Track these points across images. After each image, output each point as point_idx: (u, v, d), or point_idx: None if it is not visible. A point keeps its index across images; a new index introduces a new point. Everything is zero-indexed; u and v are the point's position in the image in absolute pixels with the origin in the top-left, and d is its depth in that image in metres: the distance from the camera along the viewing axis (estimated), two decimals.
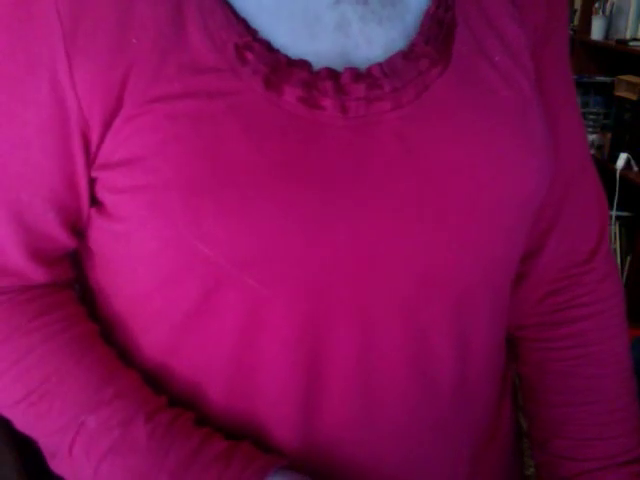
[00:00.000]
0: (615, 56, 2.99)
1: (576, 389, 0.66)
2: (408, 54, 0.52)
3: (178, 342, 0.54)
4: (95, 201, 0.53)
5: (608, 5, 2.97)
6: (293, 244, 0.48)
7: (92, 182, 0.52)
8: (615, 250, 2.80)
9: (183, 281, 0.51)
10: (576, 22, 3.14)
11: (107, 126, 0.49)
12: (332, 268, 0.50)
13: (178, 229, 0.48)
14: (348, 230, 0.49)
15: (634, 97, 2.65)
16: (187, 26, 0.49)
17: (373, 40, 0.52)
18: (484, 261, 0.55)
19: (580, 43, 3.05)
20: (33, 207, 0.52)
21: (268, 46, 0.50)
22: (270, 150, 0.48)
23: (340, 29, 0.52)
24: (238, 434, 0.54)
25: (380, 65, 0.51)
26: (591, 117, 2.92)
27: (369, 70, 0.51)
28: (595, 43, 2.99)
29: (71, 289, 0.60)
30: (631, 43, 2.72)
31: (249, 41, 0.49)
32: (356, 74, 0.50)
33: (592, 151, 2.80)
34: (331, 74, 0.50)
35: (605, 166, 2.69)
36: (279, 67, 0.49)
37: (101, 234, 0.54)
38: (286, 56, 0.50)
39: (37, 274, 0.55)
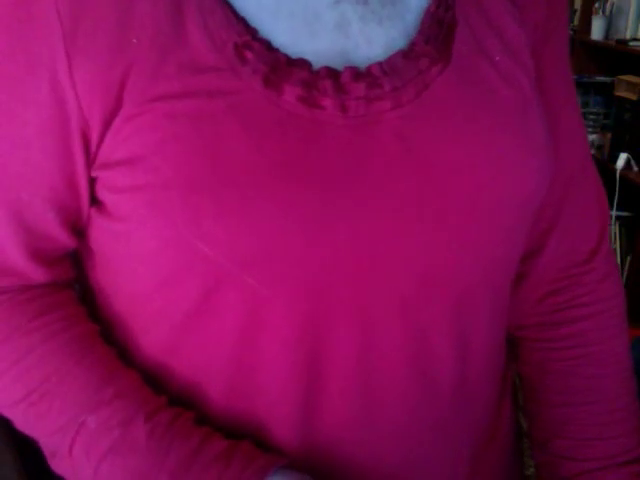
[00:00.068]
0: (615, 56, 2.99)
1: (576, 389, 0.66)
2: (408, 53, 0.52)
3: (178, 342, 0.54)
4: (95, 201, 0.53)
5: (608, 5, 2.97)
6: (293, 244, 0.48)
7: (92, 182, 0.52)
8: (615, 250, 2.80)
9: (183, 281, 0.51)
10: (576, 22, 3.14)
11: (107, 126, 0.49)
12: (332, 268, 0.50)
13: (178, 228, 0.48)
14: (348, 230, 0.49)
15: (634, 97, 2.65)
16: (187, 25, 0.49)
17: (373, 40, 0.52)
18: (484, 261, 0.55)
19: (580, 43, 3.05)
20: (33, 207, 0.52)
21: (268, 45, 0.50)
22: (270, 150, 0.48)
23: (340, 29, 0.52)
24: (238, 434, 0.54)
25: (380, 64, 0.51)
26: (591, 117, 2.92)
27: (369, 69, 0.51)
28: (595, 43, 2.99)
29: (71, 289, 0.60)
30: (631, 43, 2.72)
31: (249, 40, 0.49)
32: (356, 73, 0.50)
33: (592, 151, 2.80)
34: (331, 73, 0.50)
35: (605, 166, 2.69)
36: (279, 66, 0.49)
37: (101, 234, 0.54)
38: (286, 55, 0.50)
39: (37, 274, 0.55)
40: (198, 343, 0.54)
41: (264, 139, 0.48)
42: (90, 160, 0.51)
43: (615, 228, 2.78)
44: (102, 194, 0.52)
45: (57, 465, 0.56)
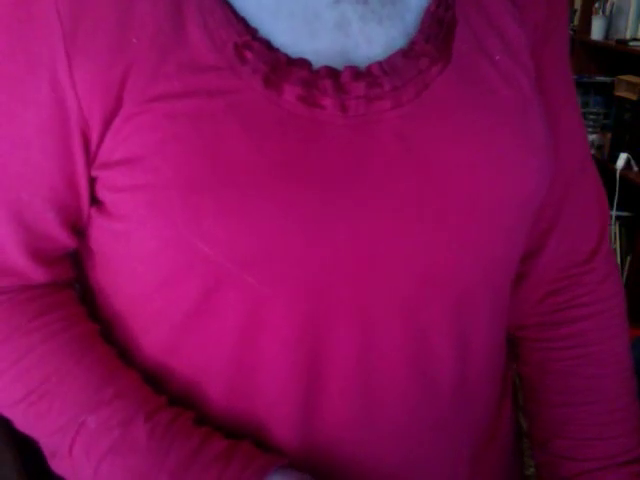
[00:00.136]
0: (615, 56, 2.99)
1: (576, 389, 0.66)
2: (408, 53, 0.52)
3: (178, 342, 0.54)
4: (95, 200, 0.53)
5: (608, 5, 2.97)
6: (293, 244, 0.48)
7: (92, 181, 0.52)
8: (615, 250, 2.80)
9: (183, 280, 0.51)
10: (576, 22, 3.14)
11: (107, 125, 0.49)
12: (332, 268, 0.50)
13: (178, 228, 0.48)
14: (348, 230, 0.49)
15: (634, 97, 2.65)
16: (187, 25, 0.49)
17: (373, 39, 0.52)
18: (484, 261, 0.55)
19: (580, 43, 3.05)
20: (33, 207, 0.52)
21: (268, 45, 0.50)
22: (270, 149, 0.48)
23: (340, 28, 0.52)
24: (238, 434, 0.54)
25: (380, 64, 0.51)
26: (591, 117, 2.92)
27: (369, 69, 0.51)
28: (595, 43, 2.99)
29: (71, 289, 0.60)
30: (631, 43, 2.72)
31: (248, 40, 0.49)
32: (356, 73, 0.50)
33: (592, 151, 2.80)
34: (331, 73, 0.50)
35: (605, 166, 2.69)
36: (279, 66, 0.49)
37: (101, 233, 0.54)
38: (286, 55, 0.50)
39: (37, 274, 0.55)
40: (198, 343, 0.54)
41: (264, 139, 0.48)
42: (90, 160, 0.51)
43: (615, 228, 2.78)
44: (102, 194, 0.52)
45: (57, 465, 0.56)
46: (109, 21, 0.48)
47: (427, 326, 0.54)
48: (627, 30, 2.86)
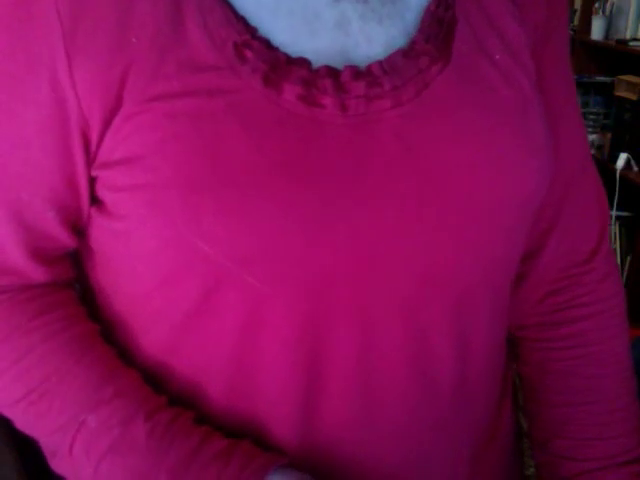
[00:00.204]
0: (615, 56, 2.99)
1: (576, 389, 0.66)
2: (408, 52, 0.52)
3: (178, 342, 0.54)
4: (95, 200, 0.53)
5: (608, 5, 2.97)
6: (293, 244, 0.48)
7: (92, 181, 0.52)
8: (615, 250, 2.80)
9: (183, 280, 0.51)
10: (576, 22, 3.14)
11: (107, 125, 0.49)
12: (332, 268, 0.50)
13: (177, 227, 0.48)
14: (348, 230, 0.49)
15: (634, 97, 2.65)
16: (186, 24, 0.49)
17: (373, 38, 0.52)
18: (484, 261, 0.55)
19: (580, 43, 3.05)
20: (33, 206, 0.52)
21: (267, 44, 0.50)
22: (270, 149, 0.48)
23: (340, 27, 0.52)
24: (238, 433, 0.54)
25: (380, 63, 0.51)
26: (591, 117, 2.92)
27: (369, 68, 0.51)
28: (595, 43, 2.99)
29: (71, 289, 0.60)
30: (631, 43, 2.72)
31: (248, 39, 0.49)
32: (356, 72, 0.50)
33: (592, 151, 2.80)
34: (331, 72, 0.50)
35: (605, 166, 2.69)
36: (278, 65, 0.49)
37: (101, 233, 0.54)
38: (285, 54, 0.50)
39: (37, 273, 0.55)
40: (198, 343, 0.54)
41: (264, 138, 0.48)
42: (90, 159, 0.51)
43: (615, 228, 2.78)
44: (102, 193, 0.52)
45: (57, 465, 0.56)
46: (109, 21, 0.48)
47: (427, 326, 0.54)
48: (627, 30, 2.86)
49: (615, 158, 2.68)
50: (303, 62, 0.50)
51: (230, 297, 0.50)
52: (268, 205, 0.47)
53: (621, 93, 2.75)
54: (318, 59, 0.50)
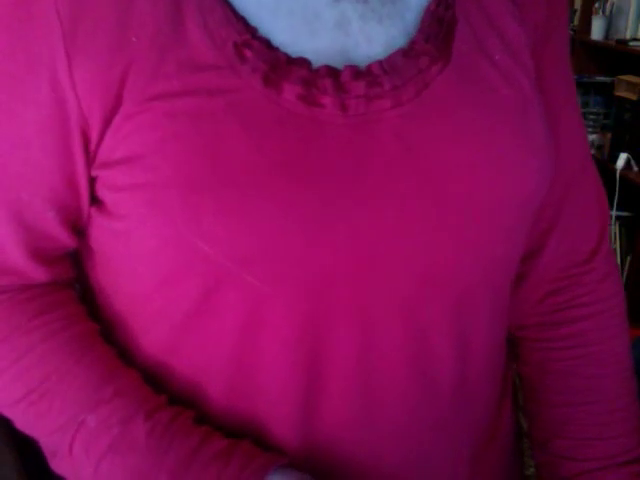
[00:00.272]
0: (615, 56, 2.99)
1: (576, 389, 0.66)
2: (408, 52, 0.52)
3: (178, 341, 0.54)
4: (95, 200, 0.53)
5: (608, 5, 2.97)
6: (293, 244, 0.48)
7: (92, 181, 0.52)
8: (615, 250, 2.80)
9: (183, 280, 0.51)
10: (576, 22, 3.14)
11: (107, 124, 0.49)
12: (332, 268, 0.50)
13: (177, 227, 0.48)
14: (348, 230, 0.49)
15: (634, 97, 2.65)
16: (186, 24, 0.49)
17: (373, 38, 0.52)
18: (484, 261, 0.55)
19: (580, 43, 3.05)
20: (33, 206, 0.52)
21: (267, 44, 0.50)
22: (270, 149, 0.48)
23: (340, 27, 0.52)
24: (238, 433, 0.54)
25: (380, 63, 0.51)
26: (591, 117, 2.92)
27: (369, 68, 0.51)
28: (595, 43, 2.99)
29: (71, 288, 0.60)
30: (631, 43, 2.72)
31: (248, 39, 0.49)
32: (356, 72, 0.50)
33: (592, 151, 2.80)
34: (331, 72, 0.50)
35: (605, 166, 2.69)
36: (278, 65, 0.49)
37: (101, 233, 0.54)
38: (285, 54, 0.50)
39: (37, 273, 0.55)
40: (198, 343, 0.54)
41: (264, 138, 0.48)
42: (90, 159, 0.51)
43: (615, 228, 2.78)
44: (102, 193, 0.52)
45: (57, 465, 0.56)
46: (109, 21, 0.48)
47: (427, 326, 0.54)
48: (627, 30, 2.86)
49: (615, 158, 2.68)
50: (303, 62, 0.50)
51: (230, 297, 0.50)
52: (268, 205, 0.47)
53: (621, 93, 2.75)
54: (318, 59, 0.50)
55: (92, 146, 0.50)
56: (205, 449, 0.52)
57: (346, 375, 0.53)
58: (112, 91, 0.48)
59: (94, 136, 0.50)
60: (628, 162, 2.65)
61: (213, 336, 0.53)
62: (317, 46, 0.51)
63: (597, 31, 2.97)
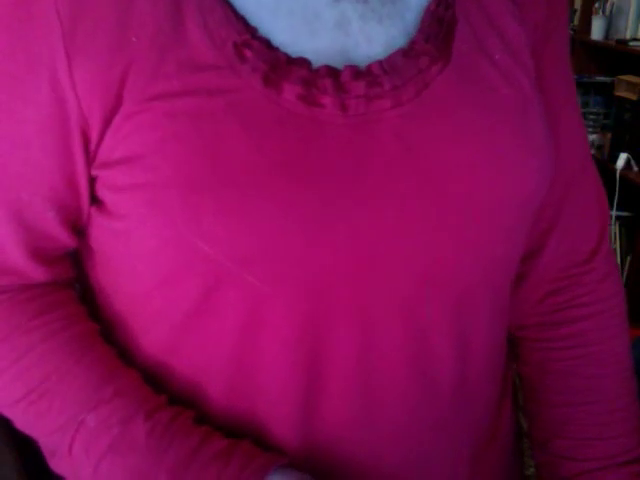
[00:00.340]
0: (615, 56, 2.99)
1: (576, 389, 0.66)
2: (408, 52, 0.52)
3: (178, 341, 0.54)
4: (95, 199, 0.53)
5: (608, 5, 2.97)
6: (293, 244, 0.48)
7: (92, 181, 0.52)
8: (615, 250, 2.80)
9: (183, 279, 0.51)
10: (576, 22, 3.14)
11: (107, 124, 0.49)
12: (332, 268, 0.50)
13: (177, 227, 0.48)
14: (348, 230, 0.49)
15: (634, 97, 2.65)
16: (186, 24, 0.49)
17: (373, 38, 0.52)
18: (484, 261, 0.55)
19: (580, 43, 3.05)
20: (33, 206, 0.52)
21: (267, 44, 0.50)
22: (270, 149, 0.48)
23: (340, 27, 0.52)
24: (238, 433, 0.54)
25: (380, 63, 0.51)
26: (591, 117, 2.92)
27: (369, 68, 0.51)
28: (595, 43, 2.99)
29: (71, 288, 0.60)
30: (631, 43, 2.72)
31: (248, 39, 0.49)
32: (356, 72, 0.50)
33: (592, 151, 2.80)
34: (331, 72, 0.50)
35: (605, 166, 2.69)
36: (278, 65, 0.49)
37: (101, 232, 0.54)
38: (285, 54, 0.50)
39: (37, 273, 0.55)
40: (198, 343, 0.54)
41: (264, 138, 0.48)
42: (90, 159, 0.51)
43: (615, 228, 2.78)
44: (102, 193, 0.52)
45: (57, 464, 0.56)
46: (109, 21, 0.48)
47: (427, 326, 0.54)
48: (627, 30, 2.86)
49: (615, 158, 2.68)
50: (303, 62, 0.50)
51: (230, 297, 0.50)
52: (268, 205, 0.47)
53: (621, 93, 2.75)
54: (318, 59, 0.50)
55: (92, 146, 0.50)
56: (205, 449, 0.52)
57: (346, 375, 0.53)
58: (112, 91, 0.48)
59: (94, 136, 0.50)
60: (628, 162, 2.65)
61: (213, 336, 0.53)
62: (317, 46, 0.51)
63: (597, 31, 2.97)
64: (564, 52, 0.64)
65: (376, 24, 0.52)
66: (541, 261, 0.65)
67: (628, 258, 2.77)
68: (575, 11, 3.20)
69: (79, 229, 0.56)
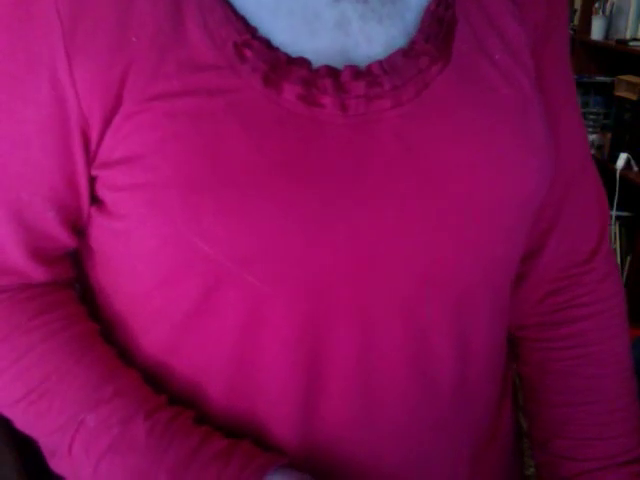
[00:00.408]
0: (615, 56, 2.99)
1: (576, 389, 0.66)
2: (408, 52, 0.52)
3: (178, 341, 0.54)
4: (95, 199, 0.53)
5: (608, 5, 2.97)
6: (293, 244, 0.48)
7: (92, 180, 0.52)
8: (615, 250, 2.80)
9: (183, 279, 0.51)
10: (576, 22, 3.14)
11: (107, 124, 0.49)
12: (332, 268, 0.50)
13: (177, 227, 0.48)
14: (348, 230, 0.49)
15: (634, 97, 2.65)
16: (186, 24, 0.49)
17: (373, 38, 0.52)
18: (484, 261, 0.55)
19: (580, 43, 3.05)
20: (33, 206, 0.52)
21: (267, 44, 0.50)
22: (270, 149, 0.48)
23: (340, 27, 0.52)
24: (238, 433, 0.54)
25: (380, 63, 0.51)
26: (591, 117, 2.92)
27: (369, 68, 0.51)
28: (595, 43, 2.99)
29: (71, 288, 0.60)
30: (631, 43, 2.72)
31: (248, 39, 0.49)
32: (356, 72, 0.50)
33: (592, 151, 2.80)
34: (331, 72, 0.50)
35: (605, 166, 2.69)
36: (278, 65, 0.49)
37: (101, 232, 0.54)
38: (285, 54, 0.50)
39: (37, 273, 0.55)
40: (198, 342, 0.54)
41: (264, 138, 0.48)
42: (90, 159, 0.51)
43: (615, 228, 2.78)
44: (102, 193, 0.52)
45: (57, 464, 0.56)
46: (109, 20, 0.48)
47: (427, 326, 0.54)
48: (627, 30, 2.86)
49: (615, 158, 2.68)
50: (303, 62, 0.50)
51: (230, 297, 0.50)
52: (268, 205, 0.47)
53: (621, 93, 2.75)
54: (318, 59, 0.50)
55: (92, 146, 0.50)
56: (205, 449, 0.52)
57: (346, 375, 0.53)
58: (112, 91, 0.48)
59: (94, 136, 0.50)
60: (628, 162, 2.65)
61: (213, 336, 0.53)
62: (317, 46, 0.51)
63: (597, 31, 2.97)
64: (564, 52, 0.64)
65: (376, 24, 0.52)
66: (541, 261, 0.65)
67: (628, 258, 2.77)
68: (575, 11, 3.20)
69: (79, 229, 0.56)
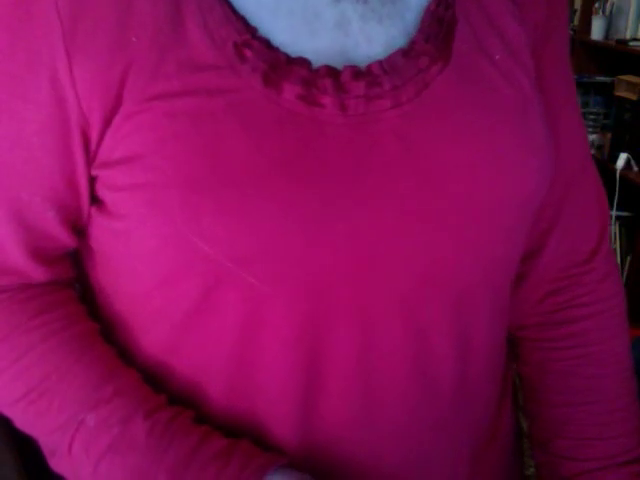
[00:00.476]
0: (615, 56, 2.99)
1: (576, 389, 0.66)
2: (408, 52, 0.52)
3: (178, 341, 0.54)
4: (95, 199, 0.53)
5: (608, 5, 2.97)
6: (293, 244, 0.48)
7: (92, 180, 0.52)
8: (615, 250, 2.80)
9: (183, 279, 0.51)
10: (576, 22, 3.14)
11: (107, 124, 0.49)
12: (332, 268, 0.50)
13: (177, 227, 0.48)
14: (348, 230, 0.49)
15: (634, 97, 2.65)
16: (186, 24, 0.49)
17: (373, 38, 0.52)
18: (484, 261, 0.55)
19: (580, 43, 3.05)
20: (33, 206, 0.52)
21: (267, 44, 0.50)
22: (269, 149, 0.48)
23: (340, 27, 0.52)
24: (238, 433, 0.54)
25: (380, 63, 0.51)
26: (591, 117, 2.92)
27: (369, 68, 0.51)
28: (595, 43, 2.99)
29: (71, 288, 0.60)
30: (631, 43, 2.72)
31: (248, 39, 0.49)
32: (356, 72, 0.50)
33: (592, 151, 2.80)
34: (330, 72, 0.50)
35: (605, 166, 2.69)
36: (278, 65, 0.49)
37: (101, 232, 0.54)
38: (285, 54, 0.50)
39: (37, 273, 0.55)
40: (198, 342, 0.54)
41: (264, 138, 0.48)
42: (90, 159, 0.51)
43: (615, 228, 2.78)
44: (102, 193, 0.52)
45: (57, 464, 0.56)
46: (109, 20, 0.48)
47: (427, 326, 0.54)
48: (627, 30, 2.86)
49: (615, 158, 2.68)
50: (303, 62, 0.50)
51: (230, 296, 0.51)
52: (268, 205, 0.47)
53: (621, 93, 2.75)
54: (318, 59, 0.50)
55: (92, 146, 0.50)
56: (204, 449, 0.52)
57: (346, 375, 0.53)
58: (112, 91, 0.48)
59: (94, 136, 0.50)
60: (628, 162, 2.65)
61: (213, 336, 0.53)
62: (317, 46, 0.51)
63: (597, 31, 2.97)
64: (564, 52, 0.64)
65: (376, 24, 0.52)
66: (541, 261, 0.65)
67: (628, 258, 2.77)
68: (575, 11, 3.20)
69: (79, 229, 0.56)
